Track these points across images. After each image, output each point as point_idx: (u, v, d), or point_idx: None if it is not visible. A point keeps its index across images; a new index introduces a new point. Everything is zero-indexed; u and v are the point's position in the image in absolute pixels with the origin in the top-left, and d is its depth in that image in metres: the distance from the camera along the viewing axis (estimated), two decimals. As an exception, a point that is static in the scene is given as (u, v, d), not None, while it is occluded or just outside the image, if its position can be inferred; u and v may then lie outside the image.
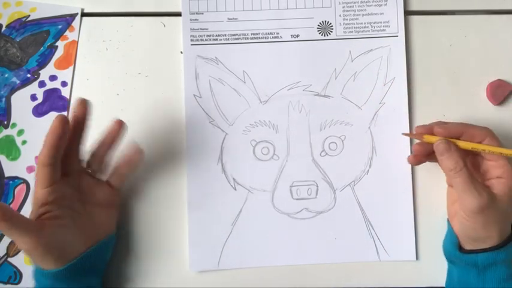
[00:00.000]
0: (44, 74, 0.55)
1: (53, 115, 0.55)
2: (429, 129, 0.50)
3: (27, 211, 0.53)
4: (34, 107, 0.55)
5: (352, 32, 0.57)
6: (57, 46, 0.56)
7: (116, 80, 0.56)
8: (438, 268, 0.54)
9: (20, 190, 0.54)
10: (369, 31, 0.57)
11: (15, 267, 0.52)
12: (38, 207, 0.46)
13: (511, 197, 0.48)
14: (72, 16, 0.57)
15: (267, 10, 0.57)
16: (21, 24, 0.56)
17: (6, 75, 0.55)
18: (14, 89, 0.55)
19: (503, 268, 0.47)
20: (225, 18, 0.57)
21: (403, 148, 0.55)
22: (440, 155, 0.48)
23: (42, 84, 0.55)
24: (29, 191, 0.54)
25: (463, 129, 0.49)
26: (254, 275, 0.54)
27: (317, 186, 0.55)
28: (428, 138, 0.50)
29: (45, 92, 0.55)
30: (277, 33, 0.57)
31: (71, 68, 0.56)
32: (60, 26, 0.56)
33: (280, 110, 0.56)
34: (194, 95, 0.56)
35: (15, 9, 0.56)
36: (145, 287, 0.53)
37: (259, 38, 0.56)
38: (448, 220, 0.53)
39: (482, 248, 0.48)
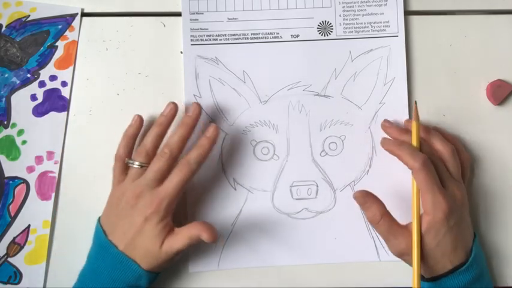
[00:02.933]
0: (44, 74, 0.55)
1: (52, 115, 0.55)
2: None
3: (27, 211, 0.53)
4: (34, 107, 0.55)
5: (352, 32, 0.57)
6: (57, 46, 0.56)
7: (116, 80, 0.56)
8: (438, 268, 0.54)
9: (20, 190, 0.53)
10: (369, 31, 0.57)
11: (15, 267, 0.52)
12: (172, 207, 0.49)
13: (435, 234, 0.47)
14: (72, 16, 0.56)
15: (267, 10, 0.57)
16: (21, 24, 0.56)
17: (6, 75, 0.55)
18: (14, 89, 0.55)
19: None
20: (225, 18, 0.57)
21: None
22: (360, 206, 0.50)
23: (42, 84, 0.55)
24: (29, 191, 0.54)
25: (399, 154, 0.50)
26: (254, 276, 0.54)
27: (317, 186, 0.55)
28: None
29: (45, 92, 0.55)
30: (277, 33, 0.57)
31: (71, 68, 0.56)
32: (60, 26, 0.56)
33: (280, 110, 0.56)
34: (194, 95, 0.56)
35: (15, 9, 0.56)
36: (145, 287, 0.53)
37: (259, 38, 0.56)
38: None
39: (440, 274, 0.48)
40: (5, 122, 0.54)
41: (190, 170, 0.49)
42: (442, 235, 0.47)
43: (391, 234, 0.48)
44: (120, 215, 0.49)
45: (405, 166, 0.48)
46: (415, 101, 0.54)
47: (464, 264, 0.47)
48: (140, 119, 0.54)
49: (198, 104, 0.53)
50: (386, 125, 0.54)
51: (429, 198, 0.46)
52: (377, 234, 0.54)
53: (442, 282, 0.47)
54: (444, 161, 0.50)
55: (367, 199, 0.49)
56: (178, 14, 0.57)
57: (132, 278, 0.47)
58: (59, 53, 0.56)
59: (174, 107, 0.53)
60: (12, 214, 0.53)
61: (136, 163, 0.50)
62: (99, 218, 0.51)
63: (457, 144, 0.53)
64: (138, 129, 0.53)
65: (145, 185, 0.48)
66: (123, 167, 0.51)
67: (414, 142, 0.50)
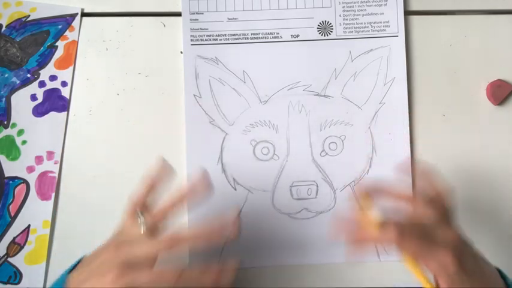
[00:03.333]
0: (44, 74, 0.55)
1: (52, 115, 0.55)
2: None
3: (27, 211, 0.53)
4: (34, 107, 0.55)
5: (352, 32, 0.57)
6: (57, 46, 0.56)
7: (116, 80, 0.56)
8: (438, 268, 0.54)
9: (20, 190, 0.53)
10: (369, 31, 0.57)
11: (15, 267, 0.52)
12: None
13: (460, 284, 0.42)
14: (72, 16, 0.56)
15: (267, 10, 0.57)
16: (21, 24, 0.56)
17: (6, 75, 0.55)
18: (14, 89, 0.55)
19: None
20: (225, 18, 0.56)
21: (404, 148, 0.55)
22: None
23: (42, 84, 0.55)
24: (29, 191, 0.54)
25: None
26: (254, 275, 0.54)
27: (317, 186, 0.55)
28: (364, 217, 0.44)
29: (45, 92, 0.55)
30: (277, 33, 0.57)
31: (71, 68, 0.56)
32: (60, 26, 0.56)
33: (280, 110, 0.56)
34: (194, 95, 0.56)
35: (15, 9, 0.56)
36: (145, 287, 0.53)
37: (259, 38, 0.56)
38: None
39: None
40: (5, 122, 0.54)
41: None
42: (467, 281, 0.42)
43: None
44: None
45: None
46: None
47: None
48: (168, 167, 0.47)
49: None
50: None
51: (432, 263, 0.42)
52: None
53: None
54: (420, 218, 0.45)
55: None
56: (178, 14, 0.57)
57: None
58: (59, 53, 0.56)
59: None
60: (12, 214, 0.53)
61: (142, 218, 0.44)
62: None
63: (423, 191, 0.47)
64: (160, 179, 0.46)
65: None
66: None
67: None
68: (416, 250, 0.42)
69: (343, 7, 0.57)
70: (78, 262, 0.45)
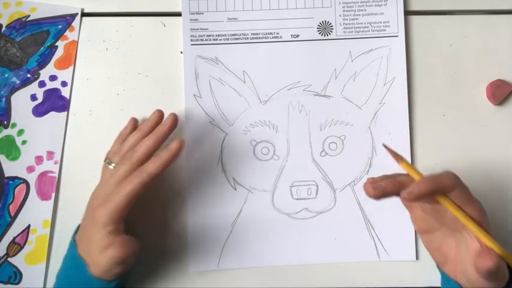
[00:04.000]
0: (44, 74, 0.55)
1: (52, 115, 0.55)
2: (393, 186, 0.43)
3: (27, 211, 0.53)
4: (34, 107, 0.55)
5: (352, 32, 0.57)
6: (57, 46, 0.56)
7: (115, 80, 0.56)
8: (438, 268, 0.54)
9: (20, 190, 0.53)
10: (369, 31, 0.57)
11: (15, 267, 0.52)
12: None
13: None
14: (72, 16, 0.56)
15: (267, 10, 0.57)
16: (21, 24, 0.56)
17: (6, 75, 0.55)
18: (14, 89, 0.55)
19: None
20: (225, 18, 0.56)
21: (404, 148, 0.55)
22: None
23: (42, 84, 0.55)
24: (29, 191, 0.54)
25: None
26: (254, 276, 0.54)
27: (317, 186, 0.55)
28: (407, 168, 0.43)
29: (45, 92, 0.55)
30: (277, 33, 0.57)
31: (71, 68, 0.56)
32: (60, 26, 0.56)
33: (280, 110, 0.56)
34: (194, 95, 0.56)
35: (15, 9, 0.56)
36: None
37: (259, 38, 0.56)
38: (438, 267, 0.47)
39: None
40: (5, 122, 0.54)
41: (141, 181, 0.46)
42: None
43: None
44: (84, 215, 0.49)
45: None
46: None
47: None
48: (135, 121, 0.54)
49: (175, 116, 0.52)
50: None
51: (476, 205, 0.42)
52: (377, 234, 0.54)
53: None
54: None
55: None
56: (178, 14, 0.57)
57: (82, 281, 0.46)
58: (59, 53, 0.56)
59: (159, 114, 0.53)
60: (12, 214, 0.53)
61: (113, 164, 0.50)
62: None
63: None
64: (132, 131, 0.53)
65: (106, 188, 0.48)
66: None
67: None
68: (467, 197, 0.42)
69: (343, 7, 0.57)
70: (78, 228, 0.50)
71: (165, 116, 0.53)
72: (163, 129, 0.51)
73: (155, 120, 0.52)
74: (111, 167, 0.50)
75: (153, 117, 0.53)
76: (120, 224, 0.47)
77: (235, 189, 0.55)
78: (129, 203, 0.46)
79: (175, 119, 0.52)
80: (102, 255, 0.45)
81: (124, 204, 0.46)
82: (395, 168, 0.54)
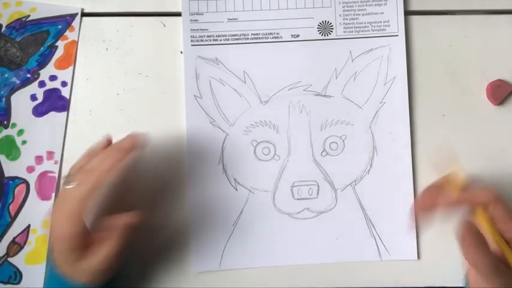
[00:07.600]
0: (44, 74, 0.55)
1: (52, 115, 0.55)
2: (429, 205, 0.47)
3: (27, 211, 0.53)
4: (34, 107, 0.55)
5: (352, 31, 0.57)
6: (57, 46, 0.56)
7: (115, 80, 0.56)
8: (440, 267, 0.54)
9: (19, 190, 0.53)
10: (369, 31, 0.57)
11: (15, 267, 0.52)
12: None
13: None
14: (72, 16, 0.56)
15: (267, 10, 0.57)
16: (21, 24, 0.56)
17: (6, 75, 0.55)
18: (14, 89, 0.55)
19: None
20: (225, 19, 0.57)
21: (404, 147, 0.55)
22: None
23: (42, 84, 0.55)
24: (28, 191, 0.53)
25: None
26: (255, 276, 0.54)
27: (318, 186, 0.55)
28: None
29: (45, 92, 0.55)
30: (277, 33, 0.57)
31: (71, 68, 0.56)
32: (60, 26, 0.56)
33: (280, 110, 0.56)
34: (194, 95, 0.55)
35: (15, 9, 0.56)
36: (145, 288, 0.53)
37: (259, 38, 0.56)
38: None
39: None
40: (5, 122, 0.54)
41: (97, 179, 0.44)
42: None
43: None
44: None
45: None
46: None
47: None
48: (108, 141, 0.50)
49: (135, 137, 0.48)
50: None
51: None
52: (378, 233, 0.54)
53: None
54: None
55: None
56: (178, 14, 0.57)
57: None
58: (59, 53, 0.56)
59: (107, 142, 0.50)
60: (12, 214, 0.53)
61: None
62: None
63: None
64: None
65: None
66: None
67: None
68: (505, 213, 0.43)
69: (343, 7, 0.57)
70: None
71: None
72: (118, 151, 0.47)
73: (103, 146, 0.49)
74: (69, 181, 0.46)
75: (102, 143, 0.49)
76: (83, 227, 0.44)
77: (236, 189, 0.55)
78: (84, 206, 0.44)
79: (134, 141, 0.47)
80: (88, 260, 0.44)
81: (80, 207, 0.44)
82: (396, 167, 0.54)
